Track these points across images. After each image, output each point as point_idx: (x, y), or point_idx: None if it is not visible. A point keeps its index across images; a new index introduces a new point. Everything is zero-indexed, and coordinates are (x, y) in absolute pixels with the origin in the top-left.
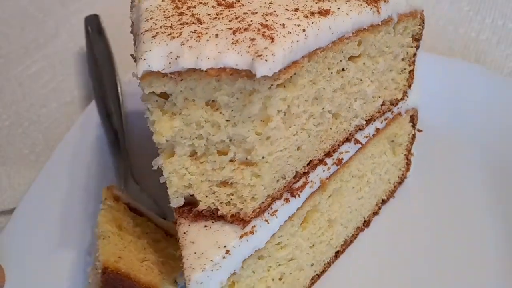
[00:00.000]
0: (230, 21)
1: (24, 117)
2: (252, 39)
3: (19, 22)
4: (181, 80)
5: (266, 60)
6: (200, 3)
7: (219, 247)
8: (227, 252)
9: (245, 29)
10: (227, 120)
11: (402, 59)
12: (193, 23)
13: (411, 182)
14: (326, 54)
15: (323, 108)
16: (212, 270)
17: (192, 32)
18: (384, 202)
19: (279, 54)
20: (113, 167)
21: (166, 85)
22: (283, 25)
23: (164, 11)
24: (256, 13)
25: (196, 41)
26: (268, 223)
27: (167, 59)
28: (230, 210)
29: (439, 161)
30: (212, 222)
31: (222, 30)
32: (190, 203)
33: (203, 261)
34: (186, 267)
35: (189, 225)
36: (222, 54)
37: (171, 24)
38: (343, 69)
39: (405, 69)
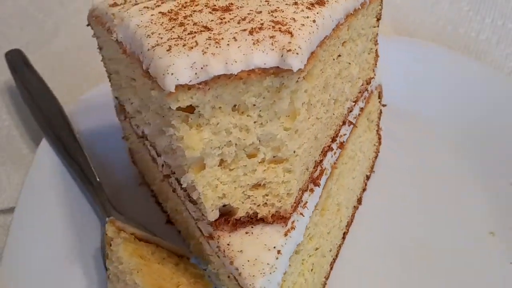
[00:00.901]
0: (238, 23)
1: (23, 117)
2: (271, 37)
3: (18, 22)
4: (209, 89)
5: (297, 54)
6: (194, 11)
7: (269, 249)
8: (279, 252)
9: (260, 28)
10: (255, 122)
11: (370, 40)
12: (201, 31)
13: (382, 156)
14: (329, 41)
15: (329, 95)
16: (270, 273)
17: (208, 39)
18: (368, 177)
19: (304, 46)
20: (89, 203)
21: (194, 96)
22: (293, 19)
23: (161, 24)
24: (260, 12)
25: (216, 47)
26: (303, 216)
27: (191, 70)
28: (269, 211)
29: (401, 134)
30: (252, 227)
31: (236, 33)
32: (224, 213)
33: (260, 266)
34: (246, 276)
35: (229, 236)
36: (249, 56)
37: (178, 36)
38: (339, 55)
39: (372, 49)
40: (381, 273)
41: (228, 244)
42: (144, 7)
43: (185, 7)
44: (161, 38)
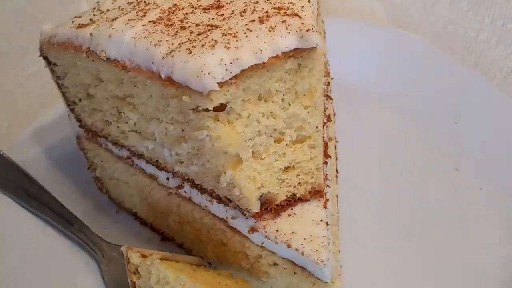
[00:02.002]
0: (241, 16)
1: (22, 117)
2: (283, 21)
3: (18, 22)
4: (239, 82)
5: (316, 31)
6: (186, 14)
7: (318, 224)
8: (327, 224)
9: (267, 16)
10: (280, 107)
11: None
12: (210, 29)
13: (340, 126)
14: (318, 19)
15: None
16: (329, 244)
17: (223, 35)
18: (335, 147)
19: (315, 24)
20: (75, 243)
21: (227, 93)
22: (292, 3)
23: (161, 32)
24: (257, 2)
25: (237, 41)
26: (329, 187)
27: (221, 67)
28: (305, 189)
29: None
30: (292, 209)
31: (247, 24)
32: (263, 203)
33: (318, 240)
34: (310, 253)
35: (275, 222)
36: (271, 42)
37: (188, 38)
38: (320, 32)
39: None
40: (375, 231)
41: (277, 230)
42: (129, 19)
43: (173, 12)
44: (172, 44)
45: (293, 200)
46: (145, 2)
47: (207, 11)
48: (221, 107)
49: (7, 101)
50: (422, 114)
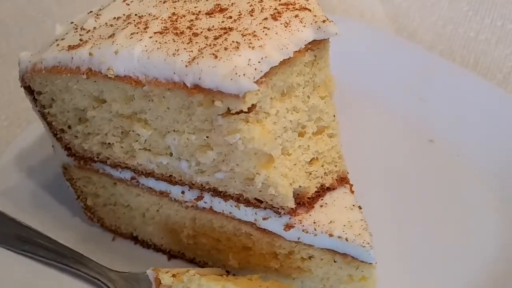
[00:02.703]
0: (251, 15)
1: (22, 117)
2: (295, 16)
3: (17, 23)
4: (267, 80)
5: (332, 21)
6: (191, 20)
7: (351, 209)
8: (360, 207)
9: (278, 13)
10: (301, 100)
11: None
12: (225, 33)
13: None
14: None
15: None
16: (367, 225)
17: (243, 35)
18: None
19: (327, 16)
20: (84, 280)
21: (258, 92)
22: None
23: (173, 41)
24: (262, 0)
25: (258, 39)
26: (348, 173)
27: (250, 68)
28: (332, 178)
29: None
30: (321, 199)
31: (261, 23)
32: (295, 198)
33: (357, 225)
34: (354, 238)
35: (309, 215)
36: (291, 37)
37: (206, 44)
38: None
39: None
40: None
41: (315, 222)
42: (131, 33)
43: (175, 21)
44: (191, 51)
45: (322, 191)
46: (136, 15)
47: (212, 15)
48: (251, 108)
49: (7, 101)
50: (390, 95)
